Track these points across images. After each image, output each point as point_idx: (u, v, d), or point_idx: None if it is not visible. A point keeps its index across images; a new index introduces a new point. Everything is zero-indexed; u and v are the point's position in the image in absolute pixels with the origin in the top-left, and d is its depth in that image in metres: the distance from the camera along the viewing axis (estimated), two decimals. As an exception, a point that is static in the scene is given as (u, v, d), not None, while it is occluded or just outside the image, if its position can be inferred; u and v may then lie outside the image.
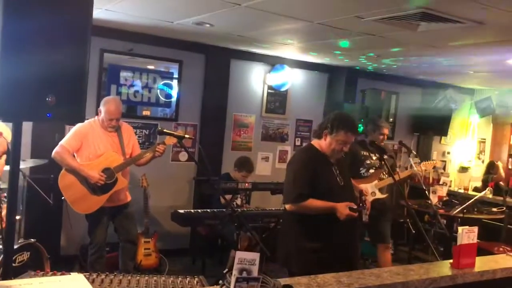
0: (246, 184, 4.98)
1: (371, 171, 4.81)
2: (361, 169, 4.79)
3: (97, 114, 4.28)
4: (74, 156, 4.11)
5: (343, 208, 2.97)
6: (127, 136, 4.31)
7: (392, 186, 5.63)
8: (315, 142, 3.22)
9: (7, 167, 3.38)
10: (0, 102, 1.67)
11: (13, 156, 1.90)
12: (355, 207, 3.01)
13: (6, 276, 1.85)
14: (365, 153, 4.85)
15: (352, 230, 3.20)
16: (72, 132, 4.14)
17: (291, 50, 5.73)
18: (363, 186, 4.24)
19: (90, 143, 4.11)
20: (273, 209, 5.22)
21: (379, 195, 4.66)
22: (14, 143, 1.85)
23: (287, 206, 3.14)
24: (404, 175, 4.98)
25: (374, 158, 4.86)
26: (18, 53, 1.70)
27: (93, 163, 4.08)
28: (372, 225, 4.50)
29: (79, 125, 4.14)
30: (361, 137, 5.10)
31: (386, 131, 4.96)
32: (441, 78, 7.36)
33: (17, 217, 3.93)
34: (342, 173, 3.20)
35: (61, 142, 4.09)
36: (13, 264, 3.48)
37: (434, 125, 7.82)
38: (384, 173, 4.82)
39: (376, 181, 4.72)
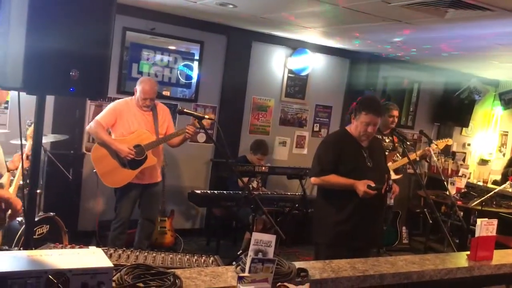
0: (263, 168, 4.98)
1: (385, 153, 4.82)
2: None
3: (132, 93, 4.38)
4: (109, 132, 4.25)
5: (361, 185, 3.15)
6: (162, 116, 4.38)
7: (410, 176, 5.58)
8: (348, 126, 3.43)
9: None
10: (25, 76, 1.68)
11: (36, 130, 1.92)
12: (373, 185, 3.13)
13: (27, 247, 1.89)
14: (378, 136, 4.83)
15: (377, 211, 3.40)
16: (108, 108, 4.30)
17: (313, 34, 5.66)
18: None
19: (125, 121, 4.24)
20: (289, 193, 5.22)
21: (393, 176, 4.71)
22: (37, 116, 1.87)
23: (312, 180, 3.41)
24: (418, 154, 4.97)
25: (387, 140, 4.88)
26: (44, 27, 1.70)
27: (125, 138, 4.21)
28: None
29: (115, 102, 4.35)
30: None
31: (395, 113, 4.97)
32: (465, 68, 7.21)
33: (37, 191, 4.01)
34: (372, 156, 3.37)
35: (96, 117, 4.27)
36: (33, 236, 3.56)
37: (456, 116, 7.70)
38: (397, 155, 4.83)
39: (390, 163, 4.73)
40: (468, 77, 7.73)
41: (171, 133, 4.32)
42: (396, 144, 4.91)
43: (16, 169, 3.37)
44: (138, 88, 4.24)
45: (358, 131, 3.29)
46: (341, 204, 3.29)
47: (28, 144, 3.28)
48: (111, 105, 4.33)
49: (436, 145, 5.08)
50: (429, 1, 3.45)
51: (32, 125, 3.39)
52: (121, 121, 4.23)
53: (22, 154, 2.10)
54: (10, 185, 3.21)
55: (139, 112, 4.27)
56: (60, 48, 1.73)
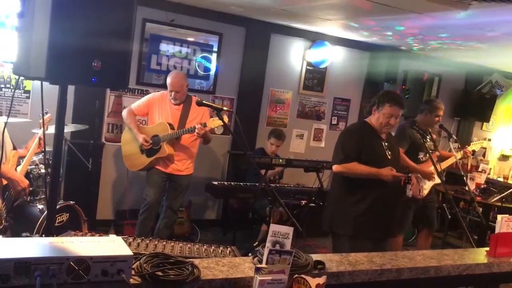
0: (280, 160, 4.98)
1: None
2: (419, 153, 4.56)
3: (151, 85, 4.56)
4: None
5: (387, 171, 3.22)
6: (195, 113, 4.42)
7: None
8: (368, 118, 3.49)
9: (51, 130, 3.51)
10: (48, 66, 1.70)
11: (58, 120, 1.95)
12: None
13: (48, 234, 1.93)
14: (422, 133, 4.66)
15: (395, 202, 3.47)
16: (144, 98, 4.57)
17: (332, 26, 5.61)
18: (430, 170, 4.34)
19: (155, 112, 4.44)
20: (306, 186, 5.22)
21: (437, 180, 4.50)
22: (59, 106, 1.90)
23: (334, 167, 3.41)
24: (447, 164, 4.80)
25: (429, 141, 4.70)
26: (67, 19, 1.73)
27: (147, 127, 4.47)
28: (421, 209, 4.60)
29: (152, 93, 4.65)
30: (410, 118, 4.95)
31: (441, 112, 4.73)
32: (486, 61, 7.07)
33: (58, 179, 4.09)
34: (391, 148, 3.45)
35: (132, 104, 4.56)
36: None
37: (477, 110, 7.57)
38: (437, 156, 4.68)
39: (438, 165, 4.55)
40: (490, 71, 7.59)
41: (183, 129, 4.34)
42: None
43: (28, 151, 3.53)
44: (167, 81, 4.42)
45: (380, 122, 3.36)
46: (362, 195, 3.33)
47: (41, 130, 3.48)
48: (147, 96, 4.59)
49: (474, 150, 5.00)
50: (452, -7, 3.39)
51: (48, 114, 3.55)
52: (152, 112, 4.46)
53: (44, 145, 2.14)
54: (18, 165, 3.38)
55: (170, 106, 4.41)
56: (83, 39, 1.76)
